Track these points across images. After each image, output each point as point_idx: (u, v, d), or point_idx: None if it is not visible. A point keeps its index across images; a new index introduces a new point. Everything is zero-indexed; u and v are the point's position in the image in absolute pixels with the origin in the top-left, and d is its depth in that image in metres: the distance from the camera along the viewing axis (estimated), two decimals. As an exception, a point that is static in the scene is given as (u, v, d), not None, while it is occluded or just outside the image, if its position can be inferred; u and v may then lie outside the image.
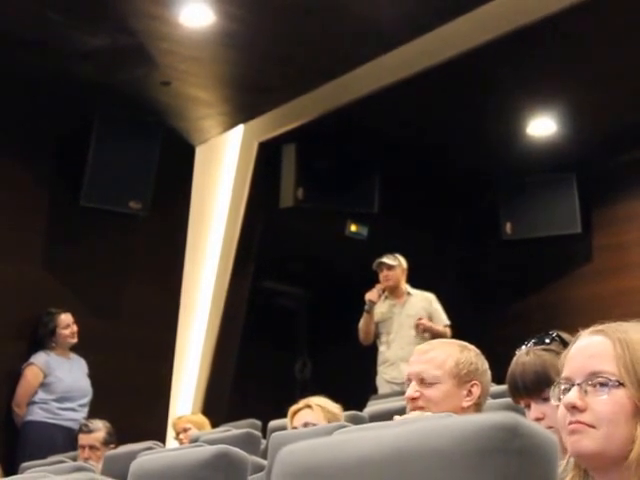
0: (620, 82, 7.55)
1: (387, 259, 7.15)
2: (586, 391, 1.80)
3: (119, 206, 7.91)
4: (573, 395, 1.80)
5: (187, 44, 7.07)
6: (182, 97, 7.85)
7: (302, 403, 3.96)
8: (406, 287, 7.23)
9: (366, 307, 7.18)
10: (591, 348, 1.83)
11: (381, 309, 7.20)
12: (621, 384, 1.78)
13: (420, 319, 6.98)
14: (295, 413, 3.96)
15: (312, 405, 3.90)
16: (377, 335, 7.23)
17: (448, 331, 7.03)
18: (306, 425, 3.81)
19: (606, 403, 1.77)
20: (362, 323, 7.23)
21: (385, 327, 7.19)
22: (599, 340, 1.83)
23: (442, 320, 7.12)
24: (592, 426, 1.78)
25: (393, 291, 7.20)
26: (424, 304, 7.15)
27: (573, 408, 1.79)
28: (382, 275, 7.17)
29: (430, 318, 7.12)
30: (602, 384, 1.78)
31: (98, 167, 7.78)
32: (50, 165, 7.83)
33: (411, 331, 7.06)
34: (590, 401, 1.79)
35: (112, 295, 8.06)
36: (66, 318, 7.36)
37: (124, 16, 6.67)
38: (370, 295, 7.18)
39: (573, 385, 1.82)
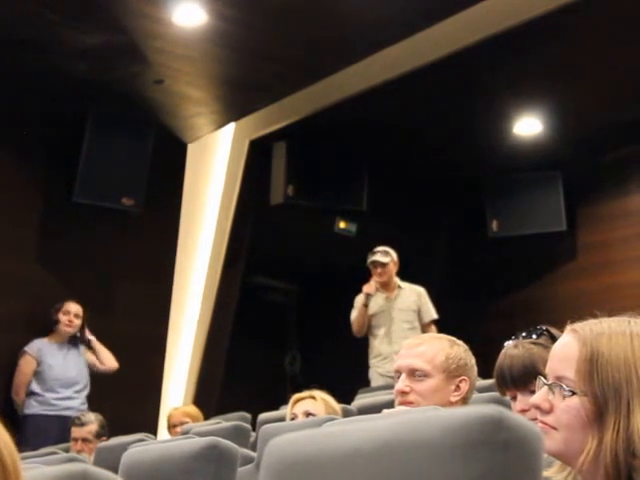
0: (604, 82, 7.61)
1: (380, 257, 7.14)
2: (553, 392, 1.81)
3: (112, 202, 7.94)
4: (539, 396, 1.83)
5: (180, 43, 7.10)
6: (174, 95, 7.89)
7: (306, 393, 3.93)
8: (397, 280, 7.24)
9: (363, 300, 7.17)
10: (562, 350, 1.84)
11: (375, 302, 7.20)
12: (576, 393, 1.77)
13: None
14: (297, 401, 3.93)
15: (316, 396, 3.89)
16: (369, 328, 7.23)
17: (433, 327, 7.09)
18: (307, 414, 3.83)
19: (563, 409, 1.79)
20: (357, 315, 7.22)
21: (378, 320, 7.19)
22: (570, 343, 1.82)
23: (431, 314, 7.17)
24: (554, 428, 1.79)
25: (385, 285, 7.21)
26: (414, 298, 7.18)
27: (537, 408, 1.83)
28: (376, 272, 7.16)
29: (419, 311, 7.16)
30: (563, 389, 1.80)
31: (91, 164, 7.82)
32: (43, 162, 7.84)
33: (403, 325, 7.08)
34: (555, 404, 1.80)
35: (105, 290, 8.10)
36: (69, 305, 7.44)
37: (117, 15, 6.68)
38: (368, 288, 7.18)
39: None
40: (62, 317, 7.44)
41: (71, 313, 7.45)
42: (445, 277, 9.52)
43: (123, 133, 7.93)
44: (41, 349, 7.37)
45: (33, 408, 7.24)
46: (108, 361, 7.49)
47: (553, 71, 7.46)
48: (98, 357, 7.49)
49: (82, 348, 7.52)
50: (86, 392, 7.38)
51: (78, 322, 7.47)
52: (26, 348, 7.36)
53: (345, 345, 7.70)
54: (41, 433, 6.95)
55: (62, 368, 7.34)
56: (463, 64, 7.21)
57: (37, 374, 7.31)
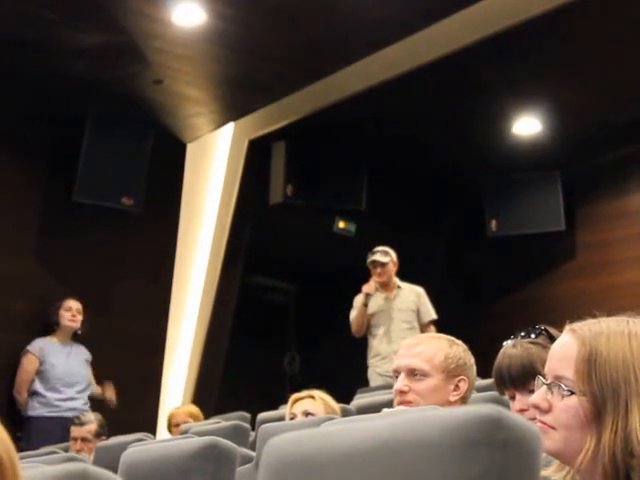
0: (603, 82, 7.62)
1: (379, 257, 7.15)
2: (552, 392, 1.82)
3: (112, 202, 7.96)
4: (537, 395, 1.84)
5: (179, 43, 7.11)
6: (174, 95, 7.90)
7: (305, 393, 3.94)
8: (396, 280, 7.26)
9: (363, 300, 7.19)
10: (561, 350, 1.84)
11: (375, 302, 7.22)
12: (574, 393, 1.78)
13: None
14: (296, 401, 3.92)
15: (315, 396, 3.90)
16: (368, 328, 7.25)
17: (432, 327, 7.09)
18: (306, 413, 3.83)
19: (562, 408, 1.79)
20: (356, 315, 7.24)
21: (377, 320, 7.20)
22: (569, 342, 1.82)
23: (430, 315, 7.18)
24: (553, 427, 1.80)
25: (384, 285, 7.22)
26: (413, 298, 7.19)
27: (536, 408, 1.83)
28: (375, 272, 7.18)
29: (418, 312, 7.19)
30: (562, 389, 1.80)
31: (91, 164, 7.84)
32: (43, 162, 7.86)
33: (402, 325, 7.10)
34: (553, 403, 1.81)
35: (105, 289, 8.12)
36: (69, 302, 7.47)
37: (117, 15, 6.69)
38: (367, 288, 7.20)
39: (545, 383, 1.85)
40: (64, 313, 7.45)
41: (73, 309, 7.48)
42: (444, 277, 9.52)
43: (123, 133, 7.95)
44: (43, 348, 7.38)
45: (36, 410, 7.24)
46: (111, 396, 7.53)
47: (552, 71, 7.47)
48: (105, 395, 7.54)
49: (83, 348, 7.53)
50: (88, 392, 7.39)
51: (80, 317, 7.49)
52: (28, 347, 7.38)
53: (344, 345, 7.71)
54: (44, 434, 6.96)
55: (64, 367, 7.35)
56: (462, 64, 7.22)
57: (40, 373, 7.31)
